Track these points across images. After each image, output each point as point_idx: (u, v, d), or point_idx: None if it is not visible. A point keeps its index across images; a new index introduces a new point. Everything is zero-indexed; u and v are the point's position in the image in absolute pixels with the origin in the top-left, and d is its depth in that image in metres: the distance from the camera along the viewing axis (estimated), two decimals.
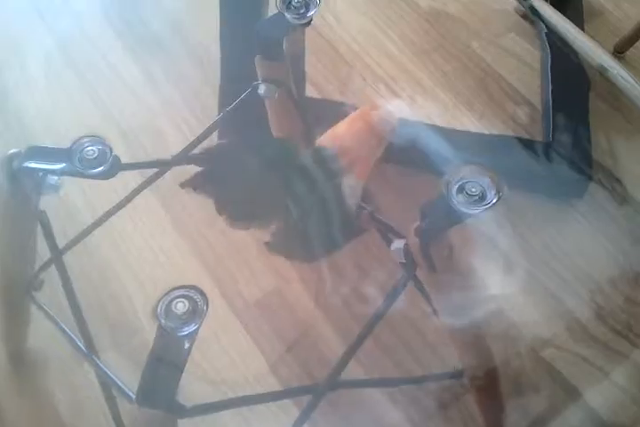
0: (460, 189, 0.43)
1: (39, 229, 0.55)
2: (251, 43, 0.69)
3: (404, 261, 0.52)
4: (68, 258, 0.58)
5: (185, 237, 0.78)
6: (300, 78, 0.63)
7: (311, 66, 0.97)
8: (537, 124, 0.92)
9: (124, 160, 0.76)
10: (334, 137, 0.65)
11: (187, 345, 0.41)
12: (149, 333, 0.74)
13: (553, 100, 0.89)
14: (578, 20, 0.96)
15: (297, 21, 0.53)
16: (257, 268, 0.74)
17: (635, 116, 0.88)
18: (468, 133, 0.87)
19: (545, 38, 0.93)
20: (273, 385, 0.70)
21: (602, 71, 0.87)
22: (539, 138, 0.90)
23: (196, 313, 0.40)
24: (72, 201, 0.78)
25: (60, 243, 0.58)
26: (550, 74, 0.90)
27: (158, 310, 0.40)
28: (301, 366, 0.71)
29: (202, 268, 0.76)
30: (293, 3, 0.51)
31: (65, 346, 0.55)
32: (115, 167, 0.49)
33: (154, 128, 0.88)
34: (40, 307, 0.53)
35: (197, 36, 0.98)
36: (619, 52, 0.98)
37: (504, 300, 0.69)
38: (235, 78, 0.80)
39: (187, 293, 0.40)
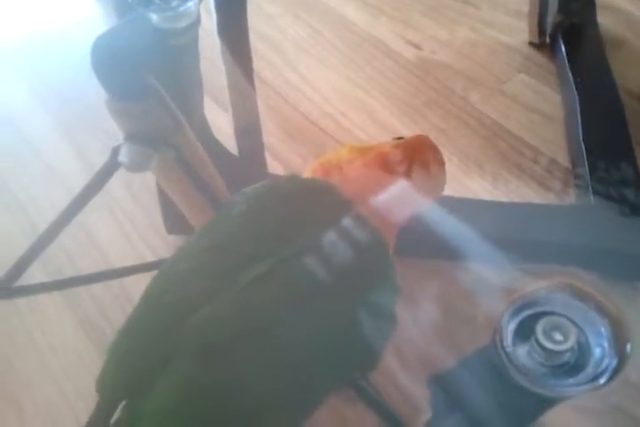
0: (534, 340, 0.19)
1: None
2: None
3: None
4: None
5: None
6: (203, 122, 0.37)
7: (271, 135, 0.78)
8: (568, 186, 0.72)
9: None
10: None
11: None
12: None
13: (587, 152, 0.69)
14: (599, 50, 0.78)
15: (171, 24, 0.28)
16: None
17: None
18: (488, 203, 0.66)
19: (569, 76, 0.74)
20: None
21: None
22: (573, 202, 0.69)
23: None
24: None
25: None
26: (580, 118, 0.71)
27: None
28: None
29: None
30: None
31: None
32: None
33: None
34: None
35: None
36: None
37: None
38: None
39: None
